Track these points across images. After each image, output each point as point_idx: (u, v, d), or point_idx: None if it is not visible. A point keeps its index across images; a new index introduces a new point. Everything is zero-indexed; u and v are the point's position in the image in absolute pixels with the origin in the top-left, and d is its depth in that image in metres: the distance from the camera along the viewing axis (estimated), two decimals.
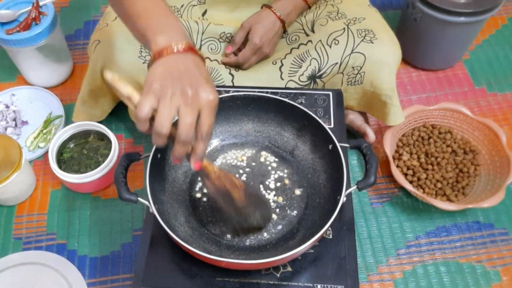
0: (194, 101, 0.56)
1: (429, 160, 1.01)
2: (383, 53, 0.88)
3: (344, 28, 0.90)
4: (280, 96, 0.80)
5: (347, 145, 0.74)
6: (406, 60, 1.20)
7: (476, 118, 1.02)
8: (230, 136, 0.83)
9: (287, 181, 0.78)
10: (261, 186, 0.78)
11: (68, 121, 1.09)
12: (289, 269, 0.69)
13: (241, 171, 0.79)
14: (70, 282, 0.84)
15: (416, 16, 1.10)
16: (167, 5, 0.66)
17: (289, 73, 0.92)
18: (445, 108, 1.04)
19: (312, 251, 0.71)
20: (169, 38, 0.60)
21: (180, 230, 0.71)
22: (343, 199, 0.67)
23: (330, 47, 0.89)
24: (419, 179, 0.98)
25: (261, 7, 0.94)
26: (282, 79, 0.92)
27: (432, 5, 1.04)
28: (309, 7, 0.97)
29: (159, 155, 0.73)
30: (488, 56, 1.24)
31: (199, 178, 0.79)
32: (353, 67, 0.89)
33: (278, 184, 0.78)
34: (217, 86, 0.89)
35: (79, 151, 1.00)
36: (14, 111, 1.09)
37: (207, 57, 0.94)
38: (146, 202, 0.67)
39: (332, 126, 0.83)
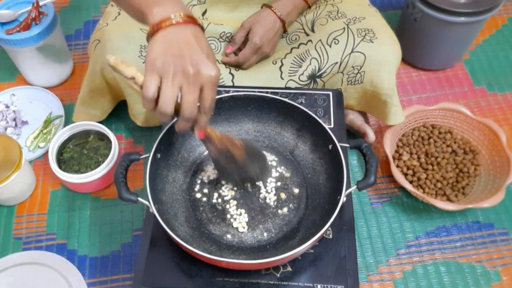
0: (196, 79, 0.57)
1: (429, 160, 1.01)
2: (383, 52, 0.88)
3: (344, 28, 0.90)
4: (280, 96, 0.80)
5: (347, 145, 0.74)
6: (406, 60, 1.20)
7: (476, 118, 1.02)
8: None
9: (287, 181, 0.78)
10: (261, 186, 0.78)
11: (68, 121, 1.09)
12: (289, 269, 0.69)
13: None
14: (70, 282, 0.84)
15: (416, 16, 1.10)
16: None
17: (289, 73, 0.92)
18: (445, 108, 1.04)
19: (312, 251, 0.71)
20: (167, 9, 0.60)
21: (180, 230, 0.71)
22: (343, 199, 0.67)
23: (330, 46, 0.89)
24: (419, 179, 0.98)
25: (261, 7, 0.94)
26: (282, 78, 0.92)
27: (432, 5, 1.04)
28: (309, 7, 0.97)
29: (159, 155, 0.73)
30: (488, 56, 1.24)
31: (199, 179, 0.79)
32: (353, 67, 0.89)
33: (278, 184, 0.78)
34: (217, 86, 0.89)
35: (79, 151, 1.00)
36: (14, 111, 1.09)
37: None
38: (146, 202, 0.67)
39: (332, 126, 0.83)
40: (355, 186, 0.69)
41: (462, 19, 1.04)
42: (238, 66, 0.95)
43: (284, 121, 0.81)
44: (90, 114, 1.02)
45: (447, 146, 1.03)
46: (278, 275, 0.69)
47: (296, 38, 0.96)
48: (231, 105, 0.80)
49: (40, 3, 1.04)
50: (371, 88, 0.91)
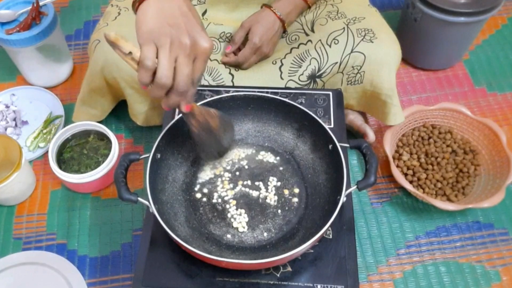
0: (192, 51, 0.56)
1: (429, 160, 1.01)
2: (383, 52, 0.88)
3: (344, 28, 0.90)
4: (280, 96, 0.80)
5: (347, 145, 0.74)
6: (406, 60, 1.20)
7: (476, 118, 1.02)
8: None
9: (287, 181, 0.78)
10: (261, 185, 0.78)
11: (68, 121, 1.09)
12: (289, 269, 0.69)
13: (241, 171, 0.79)
14: (70, 282, 0.84)
15: (416, 16, 1.10)
16: None
17: (289, 73, 0.92)
18: (445, 108, 1.04)
19: (312, 251, 0.71)
20: None
21: (180, 230, 0.71)
22: (343, 199, 0.67)
23: (330, 46, 0.89)
24: (419, 179, 0.98)
25: (261, 7, 0.94)
26: (282, 78, 0.92)
27: (432, 5, 1.04)
28: (309, 7, 0.97)
29: (159, 155, 0.73)
30: (488, 56, 1.24)
31: (199, 179, 0.79)
32: (353, 67, 0.89)
33: (278, 184, 0.78)
34: (217, 86, 0.89)
35: (79, 151, 1.00)
36: (14, 111, 1.09)
37: None
38: (146, 202, 0.67)
39: (332, 126, 0.83)
40: (355, 186, 0.69)
41: (462, 19, 1.04)
42: (238, 66, 0.95)
43: (284, 121, 0.81)
44: (90, 114, 1.02)
45: (447, 146, 1.03)
46: (278, 275, 0.69)
47: (296, 38, 0.96)
48: (231, 105, 0.80)
49: (40, 3, 1.04)
50: (371, 88, 0.91)
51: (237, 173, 0.79)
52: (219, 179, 0.79)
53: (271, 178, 0.79)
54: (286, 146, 0.82)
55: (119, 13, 0.92)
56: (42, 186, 1.01)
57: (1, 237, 0.94)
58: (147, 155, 0.71)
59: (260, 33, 0.90)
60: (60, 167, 0.96)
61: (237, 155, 0.81)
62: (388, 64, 0.88)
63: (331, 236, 0.72)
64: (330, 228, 0.73)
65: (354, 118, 1.03)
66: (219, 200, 0.76)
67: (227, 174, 0.79)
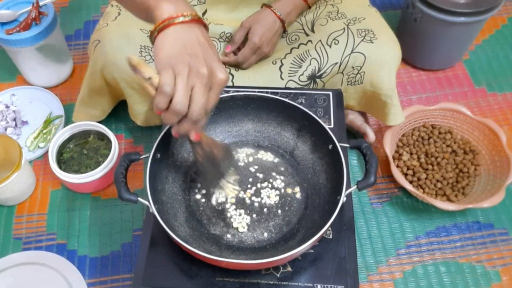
0: (209, 81, 0.57)
1: (429, 160, 1.01)
2: (383, 53, 0.88)
3: (344, 28, 0.90)
4: (280, 96, 0.80)
5: (347, 145, 0.74)
6: (406, 60, 1.20)
7: (476, 118, 1.02)
8: (230, 136, 0.83)
9: (287, 181, 0.78)
10: (261, 185, 0.78)
11: (68, 121, 1.09)
12: (289, 269, 0.69)
13: (241, 171, 0.79)
14: (70, 282, 0.84)
15: (416, 16, 1.10)
16: None
17: (289, 73, 0.92)
18: (445, 108, 1.04)
19: (312, 251, 0.71)
20: (176, 7, 0.59)
21: (180, 230, 0.71)
22: (343, 199, 0.67)
23: (330, 47, 0.89)
24: (419, 179, 0.98)
25: (261, 7, 0.94)
26: (282, 79, 0.92)
27: (432, 5, 1.04)
28: (309, 7, 0.97)
29: (159, 155, 0.73)
30: (488, 56, 1.24)
31: (199, 179, 0.79)
32: (353, 67, 0.89)
33: (278, 184, 0.78)
34: None
35: (79, 151, 1.00)
36: (14, 111, 1.09)
37: None
38: (146, 202, 0.67)
39: (332, 126, 0.83)
40: (355, 186, 0.69)
41: (462, 19, 1.04)
42: (238, 66, 0.95)
43: (284, 121, 0.81)
44: (90, 114, 1.02)
45: (447, 146, 1.03)
46: (278, 275, 0.69)
47: (296, 38, 0.96)
48: (231, 105, 0.80)
49: (40, 3, 1.04)
50: (371, 88, 0.91)
51: (237, 173, 0.79)
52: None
53: (271, 178, 0.79)
54: (286, 146, 0.82)
55: (119, 13, 0.92)
56: (42, 186, 1.01)
57: (1, 237, 0.94)
58: (147, 155, 0.71)
59: (260, 33, 0.90)
60: (60, 167, 0.96)
61: (237, 155, 0.81)
62: (388, 64, 0.88)
63: (331, 236, 0.72)
64: (330, 228, 0.73)
65: (354, 118, 1.03)
66: (219, 200, 0.76)
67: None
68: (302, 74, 0.91)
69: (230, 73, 0.94)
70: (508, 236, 0.95)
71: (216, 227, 0.74)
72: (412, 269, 0.90)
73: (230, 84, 0.93)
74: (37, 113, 1.11)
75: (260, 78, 0.93)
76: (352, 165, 1.04)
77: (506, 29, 1.30)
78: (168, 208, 0.73)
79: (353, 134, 1.06)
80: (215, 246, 0.71)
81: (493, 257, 0.92)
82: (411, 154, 1.02)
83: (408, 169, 1.00)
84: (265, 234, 0.73)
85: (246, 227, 0.74)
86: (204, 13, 0.99)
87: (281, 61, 0.93)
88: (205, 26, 0.61)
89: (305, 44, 0.92)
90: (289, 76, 0.92)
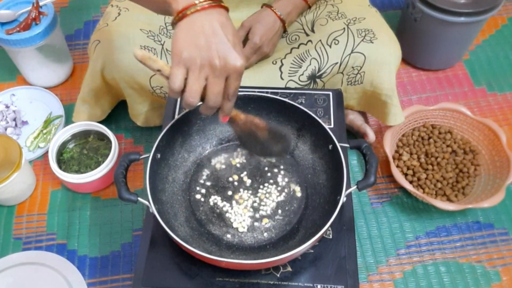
0: (222, 71, 0.57)
1: (429, 160, 1.01)
2: (383, 53, 0.88)
3: (344, 28, 0.90)
4: (280, 96, 0.80)
5: (347, 145, 0.74)
6: (406, 60, 1.20)
7: (476, 118, 1.02)
8: (230, 136, 0.83)
9: (287, 181, 0.78)
10: (261, 186, 0.78)
11: (68, 121, 1.09)
12: (289, 269, 0.69)
13: (241, 171, 0.79)
14: (70, 282, 0.84)
15: (416, 16, 1.10)
16: None
17: (289, 73, 0.92)
18: (445, 108, 1.04)
19: (312, 251, 0.71)
20: None
21: (180, 230, 0.71)
22: (343, 199, 0.67)
23: (330, 47, 0.89)
24: (419, 179, 0.98)
25: (262, 7, 0.94)
26: (282, 79, 0.92)
27: (432, 5, 1.04)
28: (309, 7, 0.97)
29: (159, 155, 0.73)
30: (488, 56, 1.24)
31: (199, 179, 0.79)
32: (353, 67, 0.89)
33: (278, 184, 0.78)
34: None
35: (79, 151, 1.00)
36: (14, 111, 1.09)
37: None
38: (146, 202, 0.67)
39: (332, 126, 0.83)
40: (355, 186, 0.69)
41: (462, 19, 1.04)
42: None
43: (284, 121, 0.81)
44: (90, 114, 1.02)
45: (447, 146, 1.03)
46: (278, 275, 0.69)
47: (296, 38, 0.96)
48: None
49: (40, 3, 1.04)
50: (371, 88, 0.91)
51: (237, 173, 0.79)
52: (219, 179, 0.79)
53: (271, 178, 0.79)
54: None
55: (119, 13, 0.92)
56: (42, 186, 1.01)
57: (1, 237, 0.94)
58: (147, 155, 0.71)
59: (260, 32, 0.90)
60: (60, 167, 0.96)
61: (237, 155, 0.81)
62: (388, 64, 0.88)
63: (331, 236, 0.72)
64: (330, 228, 0.73)
65: (354, 118, 1.03)
66: (219, 200, 0.76)
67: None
68: (302, 74, 0.91)
69: None
70: (508, 236, 0.95)
71: (216, 227, 0.74)
72: (412, 269, 0.90)
73: None
74: (37, 113, 1.11)
75: (260, 78, 0.93)
76: (352, 165, 1.04)
77: (506, 29, 1.30)
78: (168, 208, 0.73)
79: (353, 134, 1.06)
80: (215, 246, 0.71)
81: (493, 257, 0.92)
82: (411, 154, 1.02)
83: (408, 169, 1.00)
84: (265, 234, 0.73)
85: (246, 227, 0.74)
86: None
87: (281, 61, 0.93)
88: (225, 9, 0.61)
89: (305, 44, 0.92)
90: (289, 76, 0.92)
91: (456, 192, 0.97)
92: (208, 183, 0.78)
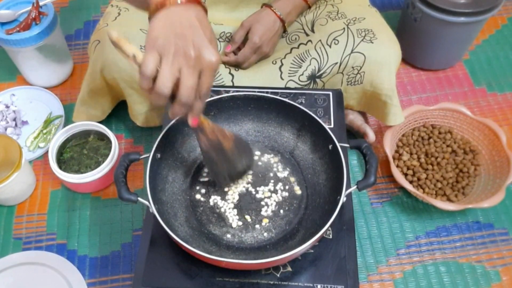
0: (197, 63, 0.56)
1: (429, 160, 1.01)
2: (383, 53, 0.88)
3: (344, 28, 0.90)
4: (280, 96, 0.80)
5: (347, 145, 0.74)
6: (406, 60, 1.20)
7: (476, 118, 1.02)
8: None
9: (287, 181, 0.78)
10: (261, 186, 0.78)
11: (68, 121, 1.09)
12: (289, 269, 0.69)
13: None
14: (70, 282, 0.84)
15: (416, 16, 1.10)
16: None
17: (289, 73, 0.92)
18: (445, 108, 1.04)
19: (312, 251, 0.71)
20: None
21: (180, 230, 0.71)
22: (343, 199, 0.67)
23: (330, 47, 0.89)
24: (419, 179, 0.98)
25: (261, 6, 0.94)
26: (282, 79, 0.92)
27: (432, 5, 1.04)
28: (309, 7, 0.97)
29: (159, 155, 0.73)
30: (488, 56, 1.24)
31: (199, 179, 0.79)
32: (353, 67, 0.89)
33: (278, 184, 0.78)
34: (217, 86, 0.89)
35: (79, 151, 1.00)
36: (14, 111, 1.09)
37: None
38: (146, 202, 0.67)
39: (332, 126, 0.83)
40: (355, 186, 0.69)
41: (462, 19, 1.04)
42: (238, 65, 0.95)
43: (284, 121, 0.81)
44: (90, 114, 1.02)
45: (447, 146, 1.03)
46: (278, 275, 0.69)
47: (296, 38, 0.96)
48: (231, 105, 0.80)
49: (40, 3, 1.04)
50: (371, 88, 0.91)
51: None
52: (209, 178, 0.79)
53: (271, 178, 0.79)
54: (286, 146, 0.82)
55: (119, 14, 0.92)
56: (42, 186, 1.01)
57: (1, 237, 0.94)
58: (147, 155, 0.71)
59: (260, 32, 0.90)
60: (60, 167, 0.96)
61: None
62: (388, 64, 0.88)
63: (331, 236, 0.72)
64: (330, 228, 0.73)
65: (354, 118, 1.03)
66: (219, 200, 0.76)
67: None
68: (302, 74, 0.91)
69: (230, 73, 0.94)
70: (508, 236, 0.95)
71: (216, 227, 0.74)
72: (412, 269, 0.90)
73: (230, 84, 0.93)
74: (37, 113, 1.11)
75: (260, 78, 0.93)
76: (352, 165, 1.04)
77: (506, 29, 1.30)
78: (168, 208, 0.73)
79: (353, 134, 1.06)
80: (215, 246, 0.71)
81: (493, 257, 0.92)
82: (411, 154, 1.02)
83: (408, 169, 1.00)
84: (265, 234, 0.73)
85: (246, 227, 0.74)
86: None
87: (281, 61, 0.93)
88: (204, 8, 0.60)
89: (305, 44, 0.92)
90: (289, 76, 0.92)
91: (456, 192, 0.97)
92: (208, 183, 0.78)
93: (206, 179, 0.79)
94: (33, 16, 1.03)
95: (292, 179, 0.79)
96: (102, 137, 1.01)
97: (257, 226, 0.74)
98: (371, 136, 1.01)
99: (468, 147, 1.03)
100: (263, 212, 0.75)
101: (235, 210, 0.75)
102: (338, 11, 0.94)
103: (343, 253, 0.70)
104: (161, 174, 0.75)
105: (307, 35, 0.94)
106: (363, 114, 1.06)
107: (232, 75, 0.94)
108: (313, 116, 0.76)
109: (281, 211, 0.75)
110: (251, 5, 0.98)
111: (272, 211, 0.75)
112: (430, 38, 1.11)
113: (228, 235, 0.73)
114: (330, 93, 0.87)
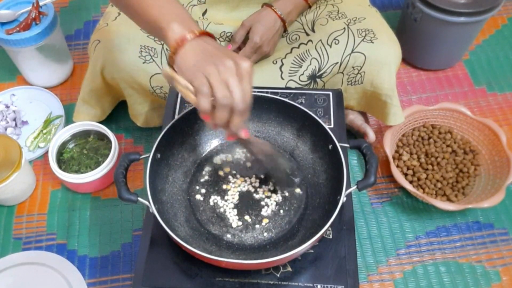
0: (238, 71, 0.58)
1: (429, 160, 1.01)
2: (383, 53, 0.88)
3: (344, 28, 0.90)
4: (280, 96, 0.80)
5: (347, 145, 0.74)
6: (406, 60, 1.20)
7: (476, 118, 1.02)
8: None
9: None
10: (261, 185, 0.78)
11: (68, 121, 1.09)
12: (289, 269, 0.69)
13: (241, 171, 0.79)
14: (70, 282, 0.84)
15: (416, 16, 1.10)
16: None
17: (289, 73, 0.92)
18: (445, 108, 1.04)
19: (312, 251, 0.71)
20: (186, 25, 0.61)
21: (180, 230, 0.71)
22: (343, 199, 0.67)
23: (331, 46, 0.89)
24: (419, 179, 0.98)
25: (262, 6, 0.94)
26: (283, 78, 0.92)
27: (432, 5, 1.04)
28: (310, 7, 0.97)
29: (159, 155, 0.73)
30: (488, 56, 1.24)
31: (199, 179, 0.79)
32: (353, 67, 0.89)
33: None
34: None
35: (79, 151, 1.00)
36: (14, 111, 1.09)
37: None
38: (146, 202, 0.67)
39: (332, 126, 0.83)
40: (355, 186, 0.69)
41: (462, 19, 1.04)
42: None
43: (284, 121, 0.81)
44: (90, 114, 1.02)
45: (447, 146, 1.03)
46: (278, 275, 0.69)
47: (296, 38, 0.96)
48: None
49: (40, 3, 1.04)
50: (371, 88, 0.91)
51: (237, 173, 0.79)
52: (219, 179, 0.79)
53: (271, 178, 0.78)
54: (286, 146, 0.82)
55: (119, 13, 0.92)
56: (42, 186, 1.01)
57: (1, 237, 0.94)
58: (147, 155, 0.71)
59: (260, 32, 0.90)
60: (60, 167, 0.96)
61: (237, 155, 0.81)
62: (388, 64, 0.88)
63: (331, 236, 0.72)
64: (330, 228, 0.73)
65: (354, 118, 1.03)
66: (219, 200, 0.76)
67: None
68: (303, 74, 0.91)
69: None
70: (508, 236, 0.95)
71: (216, 227, 0.74)
72: (412, 269, 0.90)
73: None
74: (37, 113, 1.11)
75: (260, 77, 0.93)
76: (352, 165, 1.04)
77: (506, 29, 1.30)
78: (168, 208, 0.73)
79: (353, 134, 1.06)
80: (215, 246, 0.71)
81: (493, 257, 0.92)
82: (411, 154, 1.02)
83: (408, 169, 1.00)
84: (265, 234, 0.73)
85: (246, 227, 0.74)
86: (204, 13, 0.99)
87: (281, 60, 0.93)
88: (213, 37, 0.64)
89: (306, 44, 0.92)
90: (289, 75, 0.92)
91: (456, 192, 0.97)
92: (208, 183, 0.78)
93: (206, 178, 0.79)
94: (33, 16, 1.03)
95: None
96: (102, 137, 1.01)
97: (257, 226, 0.74)
98: (371, 136, 1.01)
99: (468, 147, 1.03)
100: (263, 212, 0.75)
101: (235, 210, 0.75)
102: (339, 11, 0.94)
103: (343, 253, 0.70)
104: (161, 174, 0.75)
105: (308, 34, 0.94)
106: (363, 114, 1.06)
107: None
108: (313, 116, 0.76)
109: (281, 211, 0.75)
110: (251, 4, 0.98)
111: (272, 211, 0.75)
112: (430, 38, 1.11)
113: (228, 235, 0.73)
114: (330, 93, 0.87)
